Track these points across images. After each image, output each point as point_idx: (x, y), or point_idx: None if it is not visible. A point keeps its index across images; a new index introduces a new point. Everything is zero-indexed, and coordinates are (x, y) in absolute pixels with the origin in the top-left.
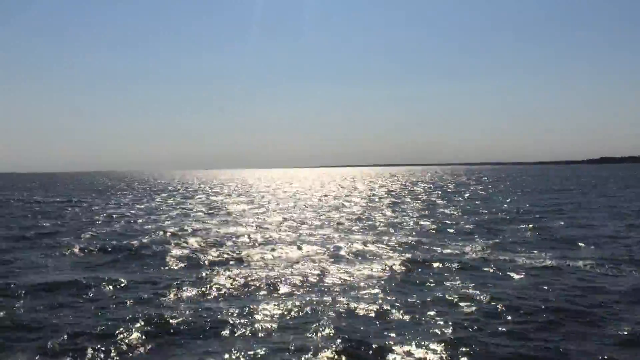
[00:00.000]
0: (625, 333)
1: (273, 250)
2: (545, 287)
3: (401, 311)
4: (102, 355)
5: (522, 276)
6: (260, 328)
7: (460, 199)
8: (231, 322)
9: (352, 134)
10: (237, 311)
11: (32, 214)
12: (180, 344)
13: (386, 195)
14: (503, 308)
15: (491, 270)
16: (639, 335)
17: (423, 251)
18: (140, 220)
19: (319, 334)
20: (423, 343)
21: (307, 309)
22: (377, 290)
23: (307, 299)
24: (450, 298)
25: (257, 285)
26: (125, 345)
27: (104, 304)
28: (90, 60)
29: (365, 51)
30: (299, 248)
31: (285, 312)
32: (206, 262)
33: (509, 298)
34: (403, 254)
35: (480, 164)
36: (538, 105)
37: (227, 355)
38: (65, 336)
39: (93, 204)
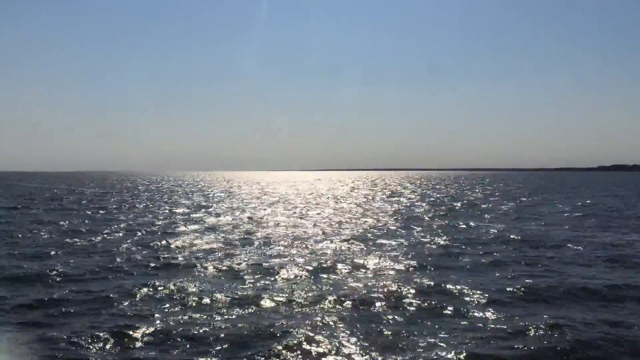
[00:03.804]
0: None
1: None
2: None
3: None
4: None
5: None
6: None
7: None
8: None
9: (352, 139)
10: None
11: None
12: None
13: None
14: None
15: None
16: None
17: None
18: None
19: None
20: None
21: None
22: None
23: None
24: None
25: None
26: None
27: None
28: (88, 57)
29: (371, 54)
30: None
31: None
32: None
33: None
34: None
35: (485, 169)
36: (546, 111)
37: None
38: None
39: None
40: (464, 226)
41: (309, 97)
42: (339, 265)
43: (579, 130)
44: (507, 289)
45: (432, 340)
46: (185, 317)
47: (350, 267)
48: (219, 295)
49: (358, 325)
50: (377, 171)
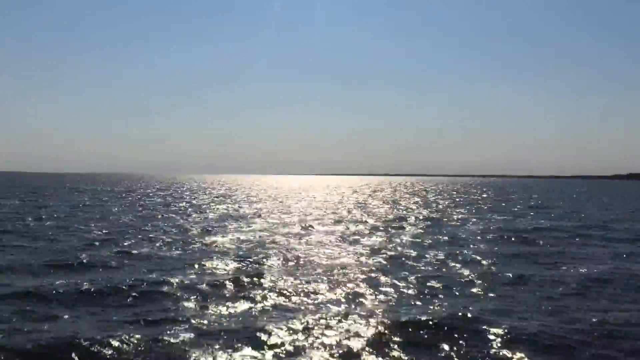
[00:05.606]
0: None
1: None
2: None
3: None
4: None
5: None
6: None
7: None
8: None
9: (350, 143)
10: None
11: None
12: None
13: None
14: None
15: None
16: None
17: None
18: None
19: None
20: None
21: None
22: None
23: None
24: None
25: None
26: None
27: None
28: (95, 61)
29: (369, 59)
30: None
31: None
32: None
33: None
34: None
35: (491, 176)
36: (558, 117)
37: None
38: None
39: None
40: None
41: (317, 100)
42: None
43: (592, 137)
44: None
45: None
46: None
47: None
48: None
49: None
50: (387, 177)
